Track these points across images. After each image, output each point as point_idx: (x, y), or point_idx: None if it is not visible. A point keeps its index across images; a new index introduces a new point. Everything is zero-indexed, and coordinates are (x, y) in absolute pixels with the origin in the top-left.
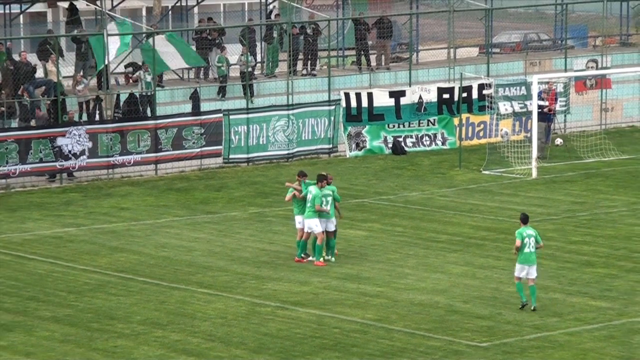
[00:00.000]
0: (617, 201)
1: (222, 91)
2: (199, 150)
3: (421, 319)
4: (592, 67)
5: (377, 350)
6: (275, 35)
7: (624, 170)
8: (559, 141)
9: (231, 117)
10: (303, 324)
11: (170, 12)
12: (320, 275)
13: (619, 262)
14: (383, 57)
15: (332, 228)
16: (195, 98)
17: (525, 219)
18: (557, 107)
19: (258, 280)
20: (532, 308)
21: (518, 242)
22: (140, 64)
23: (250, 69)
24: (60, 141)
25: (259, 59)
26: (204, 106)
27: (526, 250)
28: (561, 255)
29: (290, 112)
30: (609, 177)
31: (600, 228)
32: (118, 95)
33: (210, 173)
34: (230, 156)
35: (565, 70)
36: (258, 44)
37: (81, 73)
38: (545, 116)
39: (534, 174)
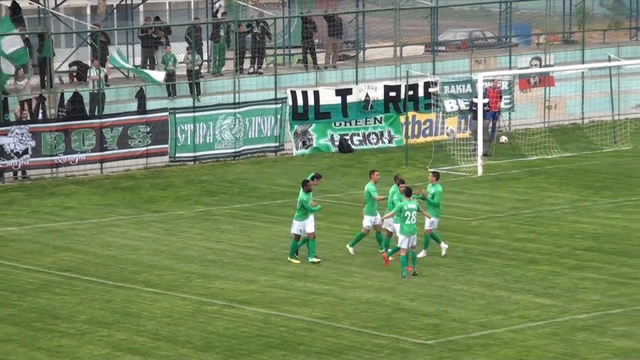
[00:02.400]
0: (560, 199)
1: (170, 89)
2: (144, 148)
3: (368, 317)
4: (535, 65)
5: (324, 349)
6: (222, 33)
7: (566, 168)
8: (503, 139)
9: (177, 115)
10: (250, 323)
11: (115, 11)
12: (267, 274)
13: (562, 260)
14: (332, 55)
15: (311, 229)
16: (141, 97)
17: (408, 192)
18: (502, 105)
19: (204, 279)
20: (412, 273)
21: (392, 213)
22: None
23: (197, 68)
24: (2, 140)
25: (205, 57)
26: (150, 105)
27: (407, 222)
28: (506, 253)
29: (237, 110)
30: (552, 174)
31: (544, 225)
32: (62, 94)
33: (157, 172)
34: (177, 155)
35: (510, 68)
36: (204, 42)
37: (21, 70)
38: (490, 114)
39: (480, 171)
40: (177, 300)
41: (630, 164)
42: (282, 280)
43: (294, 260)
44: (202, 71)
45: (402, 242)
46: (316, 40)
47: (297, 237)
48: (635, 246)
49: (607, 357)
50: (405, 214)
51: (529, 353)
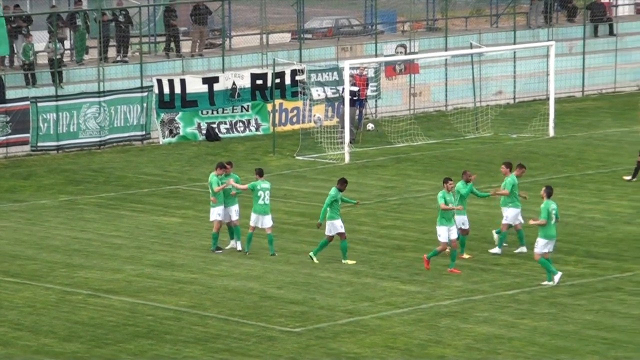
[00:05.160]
0: (426, 185)
1: (29, 78)
2: (4, 138)
3: (235, 305)
4: (401, 52)
5: (191, 337)
6: (79, 22)
7: (431, 155)
8: (370, 126)
9: (39, 104)
10: (116, 312)
11: None
12: (133, 263)
13: (427, 246)
14: (198, 43)
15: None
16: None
17: (260, 172)
18: (368, 93)
19: (69, 269)
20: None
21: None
22: None
23: (59, 56)
24: None
25: (68, 45)
26: (10, 94)
27: (260, 202)
28: (373, 240)
29: (102, 99)
30: (417, 161)
31: (410, 212)
32: None
33: (17, 161)
34: (39, 144)
35: (376, 56)
36: (67, 30)
37: None
38: (357, 101)
39: (347, 159)
40: (39, 290)
41: (490, 150)
42: (149, 269)
43: (315, 259)
44: (65, 60)
45: (253, 219)
46: (183, 28)
47: (331, 237)
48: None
49: (470, 343)
50: (259, 194)
51: (395, 340)
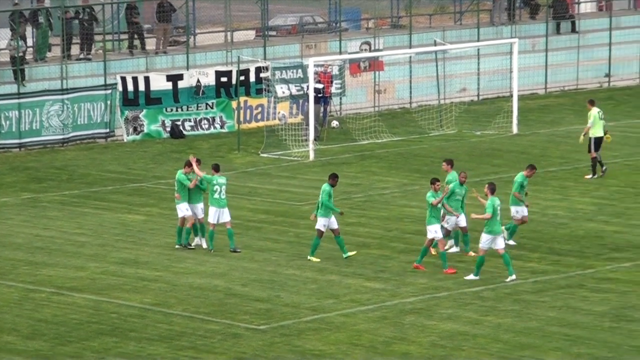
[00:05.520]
0: (390, 182)
1: None
2: None
3: (200, 303)
4: (365, 50)
5: (156, 335)
6: (41, 19)
7: (396, 152)
8: (334, 123)
9: (1, 102)
10: (79, 310)
11: None
12: (97, 261)
13: (392, 244)
14: (162, 40)
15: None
16: None
17: (216, 168)
18: (333, 90)
19: (32, 266)
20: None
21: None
22: None
23: (21, 54)
24: None
25: (30, 43)
26: None
27: (216, 196)
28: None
29: (65, 96)
30: (382, 158)
31: (375, 209)
32: None
33: None
34: (0, 142)
35: (340, 53)
36: (29, 28)
37: None
38: (321, 99)
39: (311, 156)
40: (2, 288)
41: (454, 147)
42: (113, 266)
43: (314, 259)
44: (27, 57)
45: (210, 215)
46: (147, 26)
47: (321, 233)
48: None
49: (435, 340)
50: (215, 188)
51: (359, 337)
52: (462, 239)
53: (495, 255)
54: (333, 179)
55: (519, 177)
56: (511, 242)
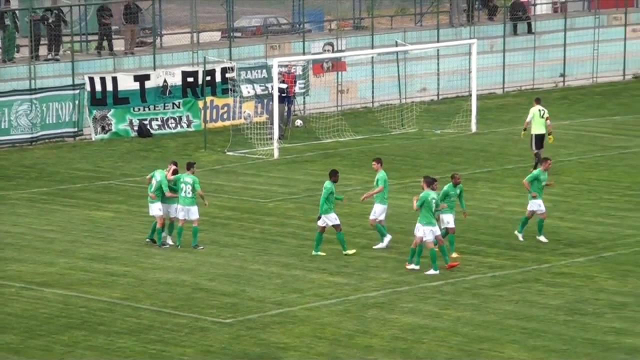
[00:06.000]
0: (353, 180)
1: None
2: None
3: (168, 297)
4: (328, 50)
5: (124, 329)
6: (8, 21)
7: (358, 150)
8: (298, 122)
9: None
10: (49, 304)
11: None
12: (66, 256)
13: (355, 239)
14: (130, 41)
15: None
16: None
17: (187, 166)
18: (297, 90)
19: (1, 262)
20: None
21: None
22: None
23: None
24: None
25: None
26: None
27: (182, 194)
28: (302, 233)
29: (33, 96)
30: (345, 156)
31: (338, 206)
32: None
33: None
34: None
35: (304, 54)
36: None
37: None
38: (285, 98)
39: (276, 154)
40: None
41: (415, 146)
42: (82, 262)
43: (320, 253)
44: None
45: (178, 212)
46: (114, 27)
47: (323, 228)
48: None
49: (396, 333)
50: (181, 186)
51: (323, 330)
52: (449, 239)
53: (459, 251)
54: (334, 175)
55: (536, 172)
56: (543, 239)
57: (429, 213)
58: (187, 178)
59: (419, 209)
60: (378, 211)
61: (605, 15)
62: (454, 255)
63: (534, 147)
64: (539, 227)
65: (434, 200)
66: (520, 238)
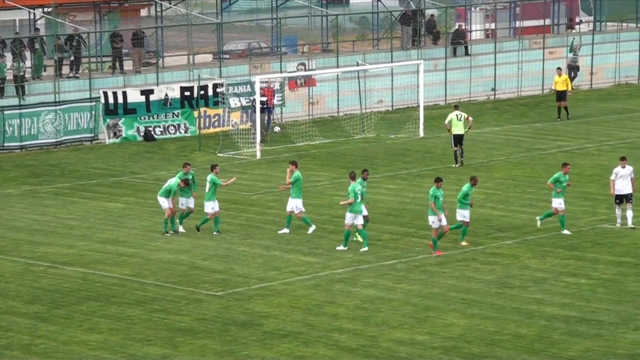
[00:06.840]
0: (322, 176)
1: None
2: None
3: (169, 274)
4: (301, 69)
5: (133, 300)
6: (37, 46)
7: (327, 152)
8: (277, 129)
9: (5, 112)
10: (70, 280)
11: None
12: (85, 240)
13: (324, 225)
14: (137, 62)
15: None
16: None
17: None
18: (275, 102)
19: (31, 245)
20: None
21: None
22: None
23: (21, 73)
24: None
25: (29, 64)
26: None
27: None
28: (280, 221)
29: (58, 107)
30: (315, 157)
31: (310, 198)
32: None
33: None
34: (5, 144)
35: (281, 72)
36: (27, 52)
37: None
38: (266, 109)
39: (258, 155)
40: (7, 262)
41: (374, 148)
42: (98, 245)
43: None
44: (26, 76)
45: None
46: (124, 50)
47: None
48: (379, 214)
49: (358, 303)
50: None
51: (297, 301)
52: (462, 231)
53: (406, 234)
54: (364, 172)
55: (556, 175)
56: (566, 232)
57: (356, 203)
58: (184, 176)
59: (354, 200)
60: (296, 204)
61: (528, 40)
62: (463, 243)
63: (453, 145)
64: (561, 222)
65: (359, 191)
66: (539, 224)
